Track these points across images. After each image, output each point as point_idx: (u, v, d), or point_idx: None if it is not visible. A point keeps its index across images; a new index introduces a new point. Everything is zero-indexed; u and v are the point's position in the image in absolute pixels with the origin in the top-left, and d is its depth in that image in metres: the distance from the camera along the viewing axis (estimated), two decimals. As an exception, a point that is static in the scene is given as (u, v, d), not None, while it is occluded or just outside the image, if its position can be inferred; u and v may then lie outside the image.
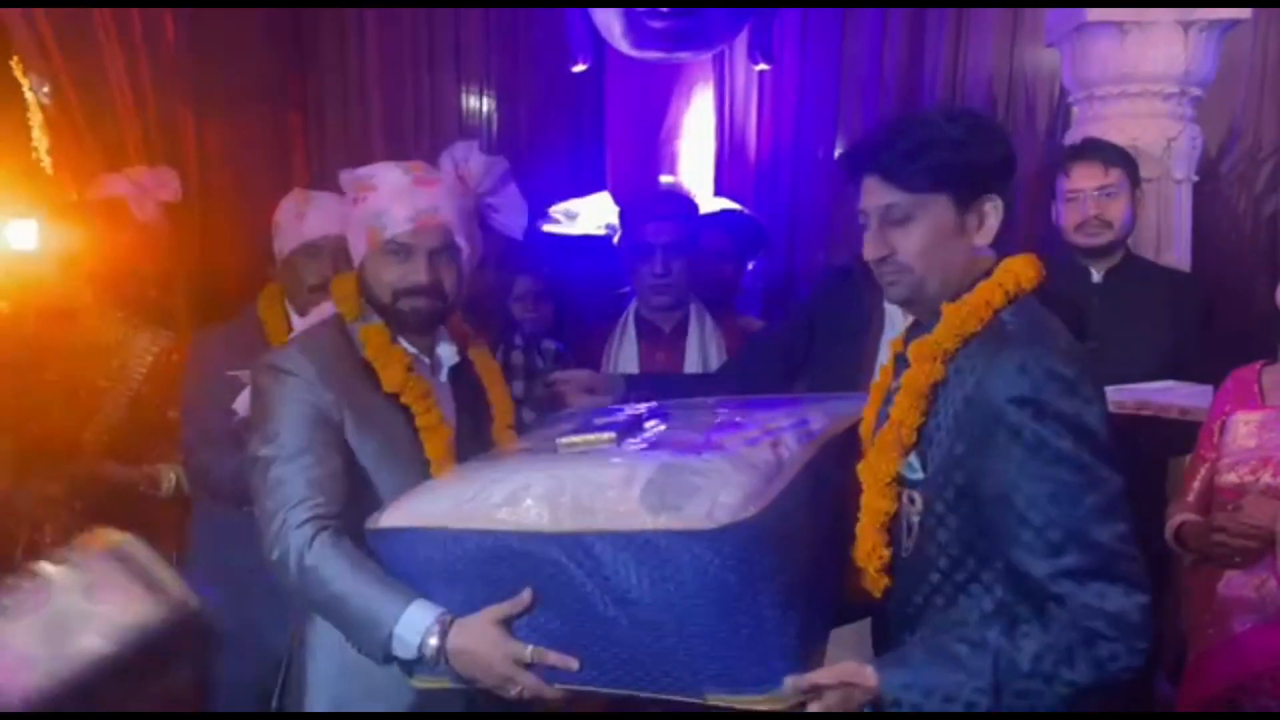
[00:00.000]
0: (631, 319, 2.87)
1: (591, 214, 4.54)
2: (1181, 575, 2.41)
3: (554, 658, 1.51)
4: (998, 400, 1.43)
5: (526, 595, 1.50)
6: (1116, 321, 2.75)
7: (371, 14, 5.04)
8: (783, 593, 1.38)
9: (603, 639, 1.46)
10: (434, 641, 1.59)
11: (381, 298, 1.85)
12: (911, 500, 1.55)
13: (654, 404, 1.90)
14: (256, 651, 2.44)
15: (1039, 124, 4.70)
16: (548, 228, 4.39)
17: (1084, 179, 2.80)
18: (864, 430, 1.70)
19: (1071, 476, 1.40)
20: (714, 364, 2.77)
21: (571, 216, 4.52)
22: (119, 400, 2.62)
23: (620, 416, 1.77)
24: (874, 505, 1.57)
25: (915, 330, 1.62)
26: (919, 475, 1.53)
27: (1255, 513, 2.10)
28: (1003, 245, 1.60)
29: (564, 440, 1.65)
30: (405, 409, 1.83)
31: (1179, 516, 2.30)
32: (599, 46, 4.74)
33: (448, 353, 1.95)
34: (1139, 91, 3.45)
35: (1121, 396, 2.39)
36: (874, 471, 1.57)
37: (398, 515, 1.61)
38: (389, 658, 1.64)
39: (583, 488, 1.45)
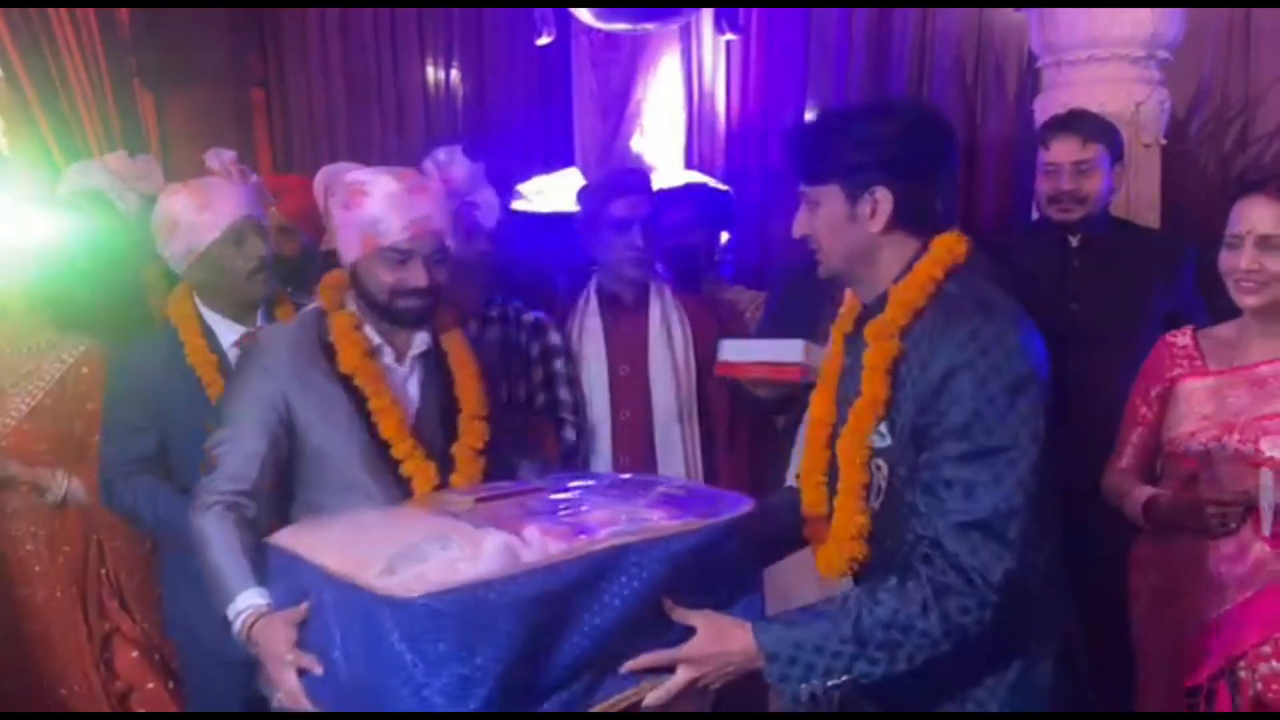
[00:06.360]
0: (593, 292, 2.90)
1: (560, 191, 4.51)
2: (1133, 548, 2.37)
3: (306, 661, 1.59)
4: (948, 365, 1.53)
5: (303, 607, 1.60)
6: (1095, 284, 2.75)
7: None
8: (457, 684, 1.37)
9: (335, 678, 1.55)
10: (239, 625, 1.74)
11: (379, 296, 1.99)
12: (879, 467, 1.64)
13: (598, 479, 1.92)
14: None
15: (1008, 88, 4.69)
16: (516, 205, 4.36)
17: (1061, 153, 2.78)
18: (819, 412, 1.80)
19: (988, 440, 1.51)
20: (676, 333, 2.84)
21: (540, 194, 4.49)
22: (19, 406, 2.53)
23: (533, 485, 1.82)
24: (851, 478, 1.66)
25: (864, 314, 1.72)
26: (887, 442, 1.62)
27: (1237, 480, 2.10)
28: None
29: (442, 495, 1.80)
30: (358, 392, 1.98)
31: (1142, 490, 2.27)
32: (563, 18, 4.70)
33: (417, 342, 2.06)
34: (1107, 56, 3.44)
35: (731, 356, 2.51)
36: (851, 446, 1.66)
37: (278, 535, 1.72)
38: None
39: (370, 540, 1.54)
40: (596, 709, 1.50)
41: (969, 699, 1.63)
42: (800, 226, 1.70)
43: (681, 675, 1.54)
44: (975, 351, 1.52)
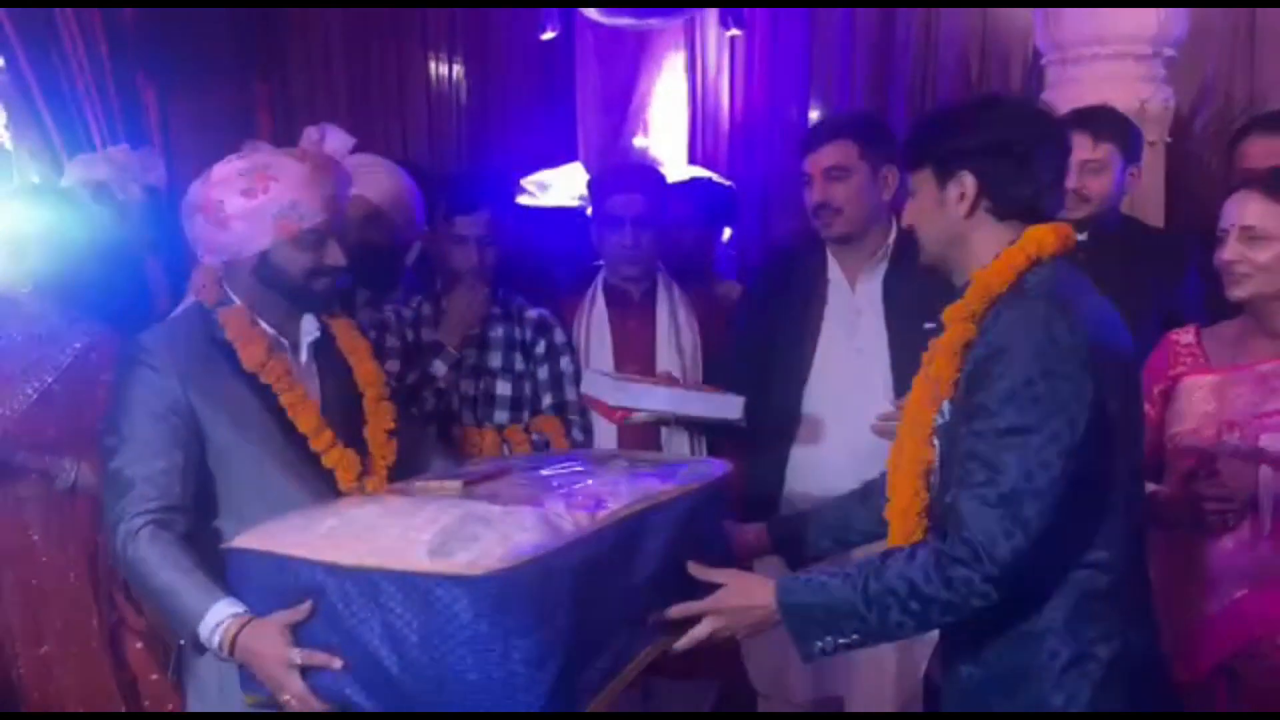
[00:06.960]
0: (600, 288, 2.86)
1: (563, 185, 4.51)
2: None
3: (320, 659, 1.55)
4: (994, 346, 1.58)
5: (304, 607, 1.56)
6: (1100, 280, 2.74)
7: (337, -18, 4.97)
8: (538, 651, 1.43)
9: (377, 670, 1.52)
10: (219, 638, 1.65)
11: (294, 280, 1.91)
12: (934, 445, 1.71)
13: (582, 456, 2.00)
14: None
15: (1013, 85, 4.68)
16: (521, 199, 4.35)
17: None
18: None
19: (1018, 418, 1.53)
20: (684, 329, 2.81)
21: (544, 188, 4.49)
22: (28, 393, 2.51)
23: (501, 466, 1.90)
24: (914, 454, 1.72)
25: (950, 300, 1.74)
26: (945, 420, 1.68)
27: (1237, 477, 2.10)
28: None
29: (419, 484, 1.80)
30: (265, 389, 1.90)
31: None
32: (568, 13, 4.69)
33: (307, 330, 1.99)
34: (1112, 53, 3.45)
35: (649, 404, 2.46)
36: (914, 423, 1.72)
37: (245, 539, 1.66)
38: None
39: (386, 529, 1.54)
40: (632, 664, 1.62)
41: (1018, 692, 1.64)
42: (907, 215, 1.77)
43: (706, 625, 1.65)
44: (1020, 334, 1.55)
